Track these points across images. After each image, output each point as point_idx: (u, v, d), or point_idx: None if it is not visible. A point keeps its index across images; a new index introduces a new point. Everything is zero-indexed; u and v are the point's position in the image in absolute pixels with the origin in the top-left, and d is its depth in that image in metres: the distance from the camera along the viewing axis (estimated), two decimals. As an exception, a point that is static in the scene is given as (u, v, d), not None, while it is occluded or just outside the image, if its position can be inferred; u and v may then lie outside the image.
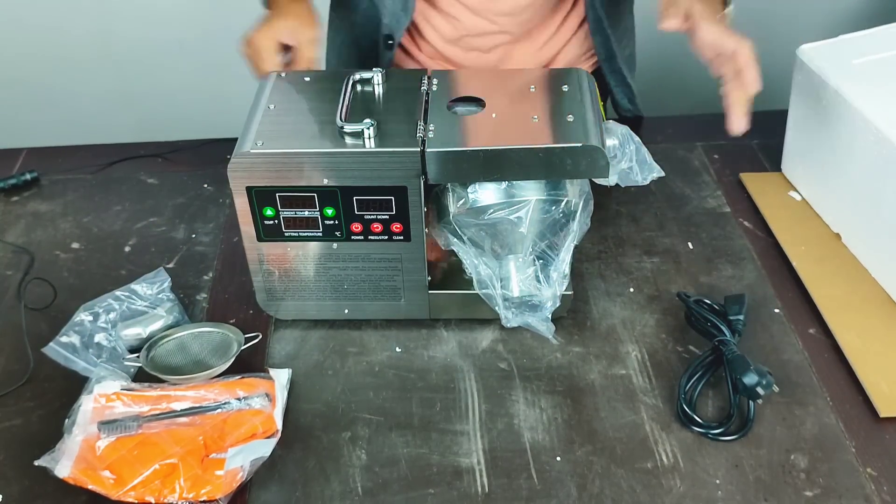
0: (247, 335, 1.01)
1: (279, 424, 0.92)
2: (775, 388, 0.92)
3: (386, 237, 0.98)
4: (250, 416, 0.92)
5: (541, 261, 1.01)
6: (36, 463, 0.87)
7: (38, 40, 2.18)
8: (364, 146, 0.92)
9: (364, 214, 0.96)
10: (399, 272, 1.01)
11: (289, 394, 0.97)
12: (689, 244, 1.17)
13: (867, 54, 1.15)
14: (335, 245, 0.99)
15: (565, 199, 0.96)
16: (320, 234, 0.98)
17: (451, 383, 0.99)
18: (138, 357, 0.99)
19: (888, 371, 0.97)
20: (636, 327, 1.05)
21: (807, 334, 1.03)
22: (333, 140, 0.93)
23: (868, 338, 1.01)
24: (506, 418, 0.94)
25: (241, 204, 0.95)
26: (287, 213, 0.96)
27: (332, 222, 0.97)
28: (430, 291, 1.03)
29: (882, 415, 0.93)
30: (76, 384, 0.96)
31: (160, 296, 1.07)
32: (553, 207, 0.96)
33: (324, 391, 0.98)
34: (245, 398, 0.93)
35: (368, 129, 0.91)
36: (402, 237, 0.97)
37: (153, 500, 0.86)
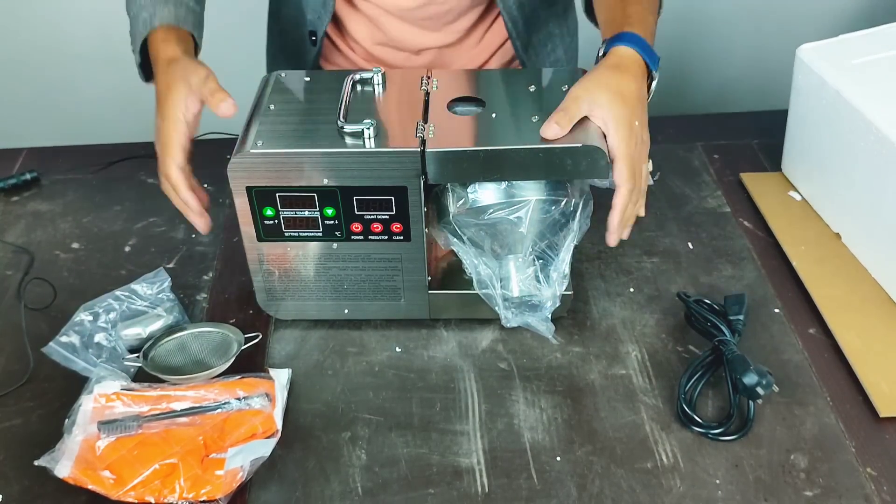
0: (247, 335, 1.01)
1: (279, 424, 0.92)
2: (775, 388, 0.92)
3: (386, 237, 0.98)
4: (250, 416, 0.92)
5: (540, 261, 1.01)
6: (36, 463, 0.87)
7: (38, 40, 2.18)
8: (364, 146, 0.92)
9: (364, 214, 0.96)
10: (399, 272, 1.01)
11: (289, 394, 0.97)
12: (689, 244, 1.17)
13: (867, 54, 1.15)
14: (335, 245, 0.99)
15: (565, 199, 0.96)
16: (320, 234, 0.98)
17: (451, 383, 0.99)
18: (138, 357, 0.99)
19: (888, 371, 0.97)
20: (636, 327, 1.05)
21: (807, 334, 1.03)
22: (333, 140, 0.93)
23: (868, 338, 1.01)
24: (506, 418, 0.94)
25: (241, 204, 0.96)
26: (287, 213, 0.96)
27: (332, 222, 0.97)
28: (430, 291, 1.03)
29: (882, 415, 0.93)
30: (76, 384, 0.96)
31: (160, 296, 1.07)
32: (553, 207, 0.96)
33: (324, 391, 0.98)
34: (245, 398, 0.93)
35: (368, 129, 0.91)
36: (401, 237, 0.97)
37: (153, 500, 0.86)
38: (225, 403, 0.93)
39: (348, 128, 0.92)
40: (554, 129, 0.90)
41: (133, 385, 0.95)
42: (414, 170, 0.92)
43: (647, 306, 1.07)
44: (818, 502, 0.85)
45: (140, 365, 0.99)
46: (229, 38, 1.78)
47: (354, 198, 0.94)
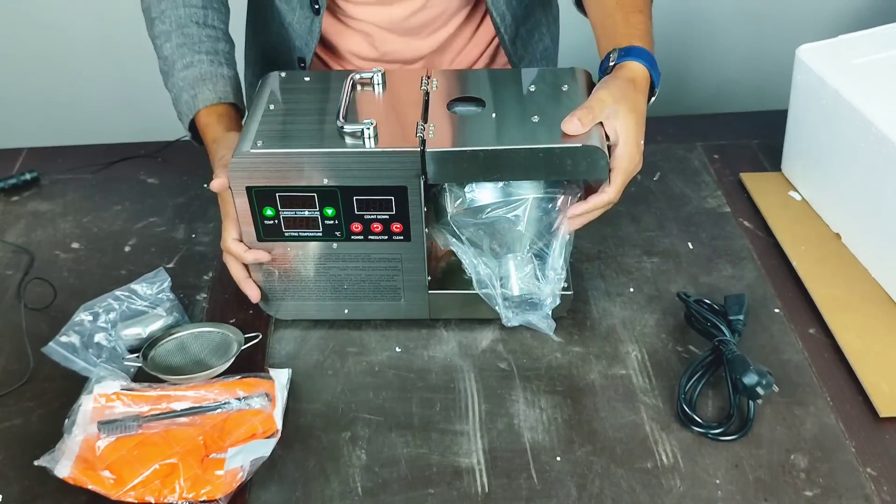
0: (247, 335, 1.01)
1: (279, 424, 0.92)
2: (775, 388, 0.92)
3: (386, 237, 0.98)
4: (250, 416, 0.92)
5: (539, 259, 1.01)
6: (36, 463, 0.87)
7: (38, 40, 2.18)
8: (364, 146, 0.92)
9: (364, 214, 0.96)
10: (399, 272, 1.01)
11: (289, 394, 0.97)
12: (689, 244, 1.17)
13: (867, 54, 1.15)
14: (335, 245, 0.99)
15: (561, 197, 0.96)
16: (320, 234, 0.98)
17: (451, 383, 0.99)
18: (138, 357, 0.99)
19: (888, 371, 0.97)
20: (636, 327, 1.05)
21: (807, 334, 1.03)
22: (333, 140, 0.93)
23: (868, 338, 1.01)
24: (506, 418, 0.94)
25: (241, 204, 0.95)
26: (287, 212, 0.96)
27: (331, 222, 0.97)
28: (429, 291, 1.03)
29: (882, 415, 0.93)
30: (76, 384, 0.96)
31: (160, 296, 1.07)
32: (549, 205, 0.96)
33: (324, 391, 0.98)
34: (245, 398, 0.93)
35: (368, 128, 0.91)
36: (401, 237, 0.97)
37: (153, 500, 0.86)
38: (225, 403, 0.93)
39: (348, 128, 0.92)
40: (575, 125, 0.91)
41: (133, 385, 0.95)
42: (414, 170, 0.92)
43: (647, 306, 1.07)
44: (818, 502, 0.85)
45: (140, 365, 0.98)
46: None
47: (354, 198, 0.94)
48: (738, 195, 1.25)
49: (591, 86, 1.01)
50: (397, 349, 1.03)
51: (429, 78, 1.03)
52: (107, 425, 0.90)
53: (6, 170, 1.34)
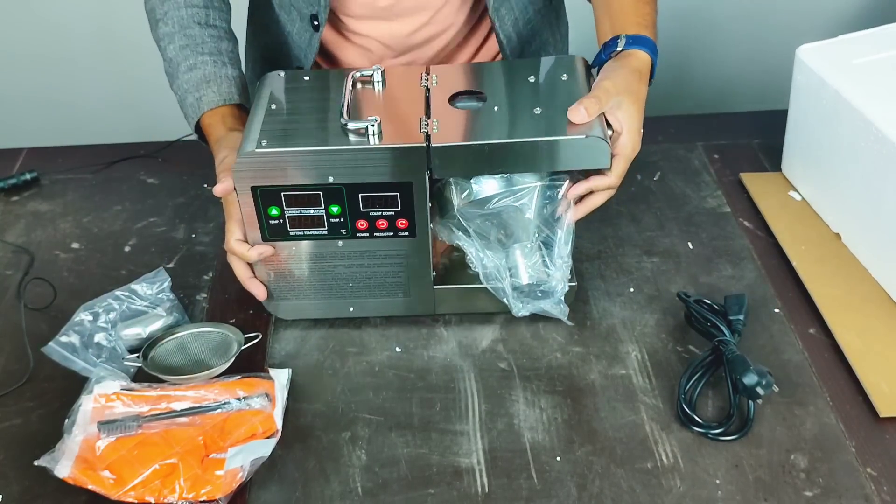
0: (247, 335, 1.01)
1: (279, 424, 0.92)
2: (775, 388, 0.92)
3: (391, 233, 0.98)
4: (250, 416, 0.92)
5: (545, 248, 1.02)
6: (36, 463, 0.87)
7: (38, 40, 2.18)
8: (369, 143, 0.92)
9: (369, 211, 0.96)
10: (404, 268, 1.01)
11: (289, 394, 0.97)
12: (689, 244, 1.17)
13: (867, 54, 1.15)
14: (340, 243, 0.99)
15: (565, 183, 0.97)
16: (325, 233, 0.98)
17: (451, 383, 0.99)
18: (138, 357, 0.99)
19: (888, 371, 0.97)
20: (636, 327, 1.05)
21: (807, 334, 1.03)
22: (338, 138, 0.93)
23: (868, 338, 1.01)
24: (506, 418, 0.94)
25: (246, 204, 0.95)
26: (292, 211, 0.96)
27: (337, 220, 0.97)
28: (435, 286, 1.03)
29: (882, 415, 0.93)
30: (76, 384, 0.96)
31: (160, 296, 1.07)
32: (555, 192, 0.97)
33: (324, 391, 0.98)
34: (245, 398, 0.93)
35: (373, 125, 0.92)
36: (407, 233, 0.98)
37: (153, 500, 0.86)
38: (225, 403, 0.93)
39: (352, 125, 0.93)
40: (582, 114, 0.93)
41: (133, 385, 0.95)
42: (420, 165, 0.92)
43: (647, 306, 1.07)
44: (818, 502, 0.85)
45: (140, 365, 0.98)
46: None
47: (360, 195, 0.95)
48: (738, 195, 1.25)
49: (588, 74, 1.01)
50: (397, 349, 1.03)
51: (428, 74, 1.03)
52: (107, 425, 0.90)
53: (6, 170, 1.34)
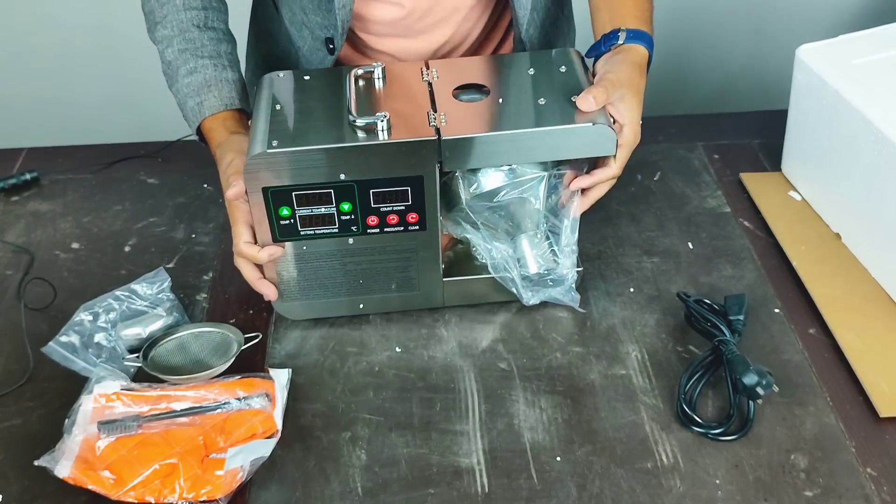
0: (247, 335, 1.01)
1: (279, 424, 0.92)
2: (775, 388, 0.92)
3: (402, 228, 0.98)
4: (250, 416, 0.92)
5: (552, 235, 1.03)
6: (36, 463, 0.87)
7: (38, 40, 2.18)
8: (378, 138, 0.92)
9: (380, 207, 0.96)
10: (414, 262, 1.01)
11: (289, 394, 0.97)
12: (689, 244, 1.17)
13: (867, 54, 1.15)
14: (351, 240, 0.99)
15: (567, 173, 0.99)
16: (336, 231, 0.98)
17: (451, 383, 0.99)
18: (138, 357, 0.99)
19: (888, 371, 0.97)
20: (636, 327, 1.05)
21: (807, 334, 1.03)
22: (348, 135, 0.93)
23: (868, 338, 1.01)
24: (506, 418, 0.94)
25: (257, 205, 0.95)
26: (303, 211, 0.96)
27: (348, 217, 0.97)
28: (444, 279, 1.03)
29: (882, 415, 0.93)
30: (76, 384, 0.96)
31: (160, 296, 1.07)
32: (559, 181, 0.99)
33: (324, 391, 0.98)
34: (245, 398, 0.93)
35: (382, 121, 0.92)
36: (417, 227, 0.98)
37: (153, 500, 0.86)
38: (225, 403, 0.93)
39: (361, 121, 0.93)
40: (590, 102, 0.95)
41: (133, 385, 0.95)
42: (430, 158, 0.93)
43: (647, 306, 1.07)
44: (818, 502, 0.85)
45: (140, 365, 0.98)
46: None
47: (371, 191, 0.95)
48: (738, 195, 1.25)
49: (585, 66, 1.02)
50: (397, 349, 1.03)
51: (428, 69, 1.03)
52: (107, 425, 0.90)
53: (6, 170, 1.34)
